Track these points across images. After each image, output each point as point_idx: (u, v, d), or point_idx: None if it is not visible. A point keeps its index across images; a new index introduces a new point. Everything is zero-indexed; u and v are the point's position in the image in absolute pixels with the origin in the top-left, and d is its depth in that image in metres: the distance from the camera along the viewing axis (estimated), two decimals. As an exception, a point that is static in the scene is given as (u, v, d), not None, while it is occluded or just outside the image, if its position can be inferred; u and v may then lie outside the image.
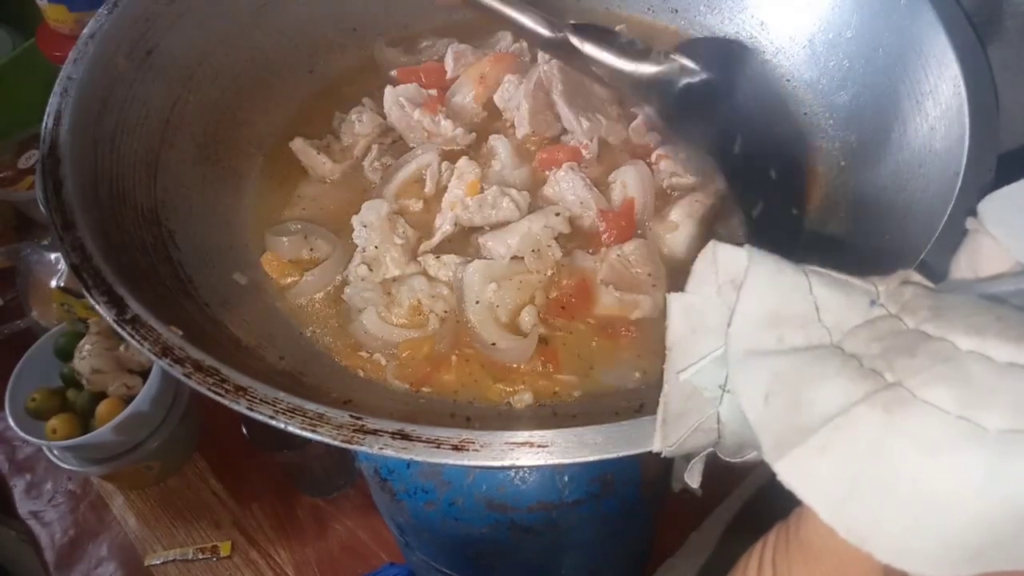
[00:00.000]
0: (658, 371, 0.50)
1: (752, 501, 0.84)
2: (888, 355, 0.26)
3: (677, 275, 0.67)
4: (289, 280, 0.70)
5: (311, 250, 0.72)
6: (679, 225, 0.69)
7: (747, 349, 0.30)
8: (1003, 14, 0.70)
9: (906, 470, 0.24)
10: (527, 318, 0.64)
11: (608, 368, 0.63)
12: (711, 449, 0.36)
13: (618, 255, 0.67)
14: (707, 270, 0.33)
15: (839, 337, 0.28)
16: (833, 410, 0.26)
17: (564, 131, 0.78)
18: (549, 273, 0.67)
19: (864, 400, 0.25)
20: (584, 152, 0.74)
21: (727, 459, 0.36)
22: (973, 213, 0.33)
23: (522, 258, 0.66)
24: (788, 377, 0.28)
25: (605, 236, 0.69)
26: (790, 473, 0.26)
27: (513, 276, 0.65)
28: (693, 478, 0.37)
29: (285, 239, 0.72)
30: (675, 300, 0.34)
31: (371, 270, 0.68)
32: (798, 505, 0.27)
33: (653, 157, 0.74)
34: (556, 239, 0.68)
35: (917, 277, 0.30)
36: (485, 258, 0.67)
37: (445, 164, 0.75)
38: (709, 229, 0.70)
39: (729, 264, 0.32)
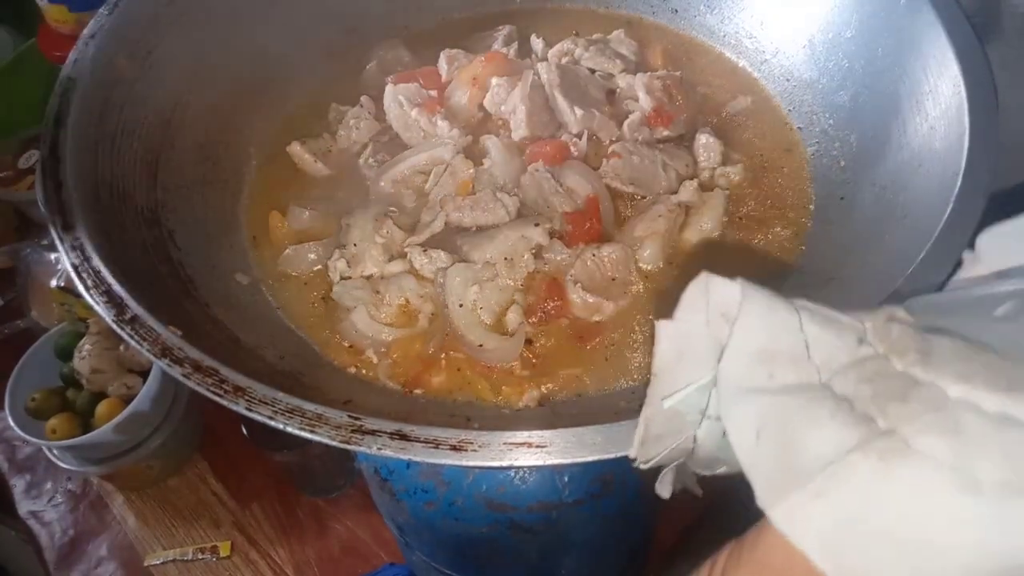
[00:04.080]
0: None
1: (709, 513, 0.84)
2: (879, 400, 0.26)
3: (652, 286, 0.68)
4: (285, 248, 0.72)
5: (322, 227, 0.74)
6: (644, 240, 0.69)
7: (739, 385, 0.30)
8: (1002, 14, 0.70)
9: (903, 519, 0.24)
10: (513, 317, 0.64)
11: (586, 369, 0.63)
12: (682, 461, 0.36)
13: (594, 255, 0.67)
14: (698, 300, 0.33)
15: (828, 376, 0.28)
16: (828, 456, 0.26)
17: (559, 129, 0.78)
18: (521, 282, 0.67)
19: (859, 448, 0.25)
20: (572, 149, 0.74)
21: (698, 471, 0.36)
22: (970, 245, 0.34)
23: (495, 264, 0.66)
24: (780, 417, 0.28)
25: (575, 237, 0.69)
26: (785, 520, 0.26)
27: (494, 278, 0.66)
28: (664, 488, 0.38)
29: (307, 212, 0.74)
30: (664, 327, 0.34)
31: (350, 266, 0.68)
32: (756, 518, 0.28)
33: (608, 150, 0.74)
34: (532, 250, 0.67)
35: (902, 314, 0.30)
36: (465, 260, 0.67)
37: (458, 159, 0.74)
38: (676, 240, 0.70)
39: (721, 297, 0.32)
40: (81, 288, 0.53)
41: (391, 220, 0.70)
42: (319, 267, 0.71)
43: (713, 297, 0.32)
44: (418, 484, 0.73)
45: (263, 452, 1.05)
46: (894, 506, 0.25)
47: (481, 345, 0.63)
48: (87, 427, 1.05)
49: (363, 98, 0.83)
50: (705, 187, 0.74)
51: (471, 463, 0.43)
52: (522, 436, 0.43)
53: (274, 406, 0.46)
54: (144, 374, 1.08)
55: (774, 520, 0.26)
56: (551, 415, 0.60)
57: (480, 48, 0.88)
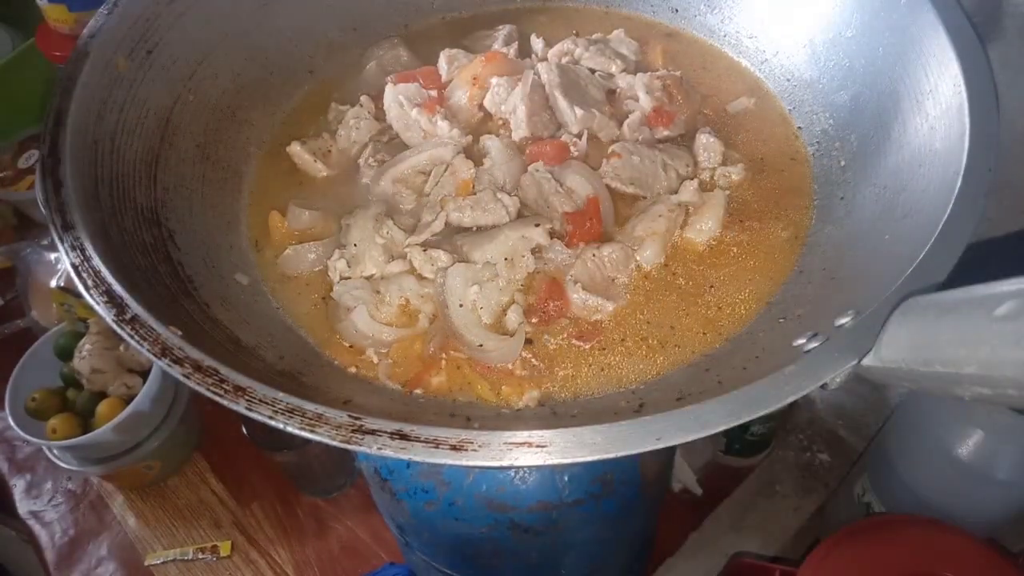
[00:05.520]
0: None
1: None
2: None
3: (652, 286, 0.68)
4: (285, 248, 0.72)
5: (321, 228, 0.74)
6: (644, 240, 0.69)
7: None
8: (1003, 14, 0.70)
9: None
10: (513, 317, 0.64)
11: (586, 370, 0.63)
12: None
13: (594, 255, 0.67)
14: None
15: None
16: None
17: (559, 129, 0.78)
18: (521, 282, 0.67)
19: None
20: (572, 149, 0.74)
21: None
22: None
23: (495, 265, 0.66)
24: None
25: (575, 237, 0.69)
26: None
27: (494, 278, 0.66)
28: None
29: (307, 213, 0.74)
30: None
31: (350, 266, 0.68)
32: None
33: (608, 151, 0.74)
34: (532, 250, 0.67)
35: None
36: (465, 260, 0.67)
37: (459, 159, 0.74)
38: (676, 240, 0.70)
39: None
40: (81, 288, 0.53)
41: (391, 220, 0.70)
42: (319, 267, 0.71)
43: None
44: (418, 484, 0.73)
45: (263, 452, 1.05)
46: None
47: (481, 345, 0.63)
48: (87, 427, 1.05)
49: (363, 98, 0.83)
50: (705, 187, 0.74)
51: (471, 463, 0.43)
52: (522, 436, 0.43)
53: (274, 406, 0.46)
54: (144, 374, 1.08)
55: None
56: (551, 415, 0.60)
57: (480, 48, 0.88)
